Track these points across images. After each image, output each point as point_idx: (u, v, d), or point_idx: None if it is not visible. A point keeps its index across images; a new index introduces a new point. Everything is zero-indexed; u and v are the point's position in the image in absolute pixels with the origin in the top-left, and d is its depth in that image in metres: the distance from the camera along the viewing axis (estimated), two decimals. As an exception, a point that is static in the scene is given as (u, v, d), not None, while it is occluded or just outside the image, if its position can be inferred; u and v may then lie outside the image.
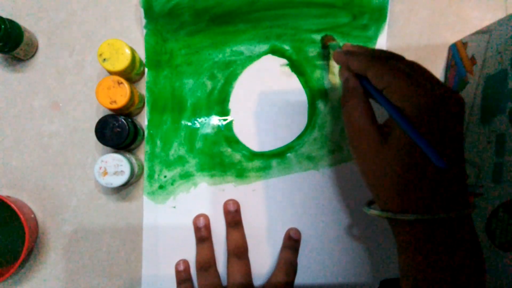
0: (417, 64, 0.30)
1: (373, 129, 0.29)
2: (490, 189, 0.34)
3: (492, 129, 0.34)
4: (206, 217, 0.43)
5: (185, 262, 0.43)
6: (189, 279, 0.42)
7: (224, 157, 0.43)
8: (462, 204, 0.27)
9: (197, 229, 0.42)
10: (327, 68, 0.44)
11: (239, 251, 0.41)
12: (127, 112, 0.42)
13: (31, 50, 0.44)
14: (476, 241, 0.28)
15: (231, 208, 0.42)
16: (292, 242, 0.43)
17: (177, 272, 0.42)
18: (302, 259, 0.43)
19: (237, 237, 0.42)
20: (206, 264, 0.41)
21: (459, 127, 0.27)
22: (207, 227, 0.42)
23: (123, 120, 0.39)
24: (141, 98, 0.43)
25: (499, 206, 0.32)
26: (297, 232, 0.43)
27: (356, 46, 0.37)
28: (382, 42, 0.44)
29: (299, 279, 0.43)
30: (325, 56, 0.44)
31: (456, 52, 0.42)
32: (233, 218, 0.42)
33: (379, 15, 0.43)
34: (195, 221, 0.42)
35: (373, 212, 0.30)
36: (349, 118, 0.31)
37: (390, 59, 0.31)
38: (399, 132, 0.27)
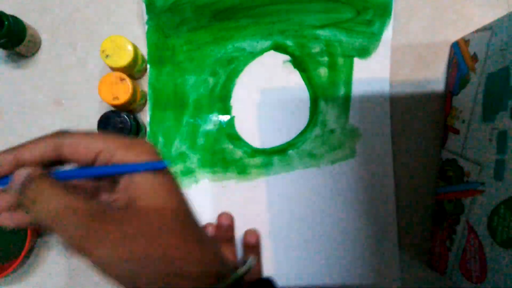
0: None
1: (96, 204, 0.23)
2: (492, 186, 0.34)
3: (494, 127, 0.34)
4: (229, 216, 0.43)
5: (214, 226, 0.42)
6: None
7: (226, 153, 0.44)
8: None
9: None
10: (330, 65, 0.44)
11: None
12: (129, 109, 0.42)
13: (34, 47, 0.44)
14: None
15: (224, 222, 0.42)
16: (251, 247, 0.42)
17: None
18: (302, 257, 0.43)
19: (227, 253, 0.41)
20: None
21: None
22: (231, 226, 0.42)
23: (125, 116, 0.40)
24: (143, 95, 0.43)
25: (501, 203, 0.32)
26: (255, 234, 0.42)
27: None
28: (387, 39, 0.44)
29: (298, 279, 0.43)
30: None
31: (458, 50, 0.42)
32: (226, 233, 0.42)
33: (383, 11, 0.43)
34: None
35: None
36: (59, 217, 0.22)
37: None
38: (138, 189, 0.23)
